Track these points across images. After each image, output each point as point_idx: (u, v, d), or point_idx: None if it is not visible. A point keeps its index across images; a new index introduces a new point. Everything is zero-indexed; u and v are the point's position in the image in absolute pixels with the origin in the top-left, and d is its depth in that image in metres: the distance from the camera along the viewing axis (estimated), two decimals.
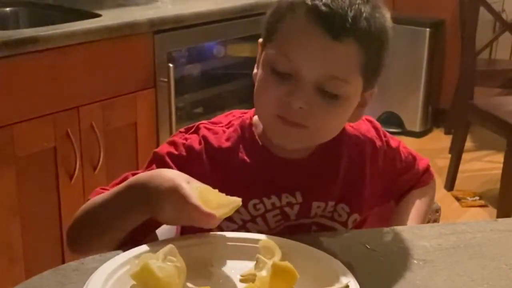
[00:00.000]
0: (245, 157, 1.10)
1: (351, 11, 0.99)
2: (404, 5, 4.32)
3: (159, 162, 1.09)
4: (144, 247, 0.92)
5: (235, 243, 0.96)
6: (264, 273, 0.85)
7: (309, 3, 0.99)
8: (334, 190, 1.12)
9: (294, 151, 1.09)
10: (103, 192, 1.07)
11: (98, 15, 2.21)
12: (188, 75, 2.64)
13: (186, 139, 1.11)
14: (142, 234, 1.02)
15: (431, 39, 4.04)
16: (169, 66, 2.26)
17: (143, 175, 1.01)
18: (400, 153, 1.22)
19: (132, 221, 1.00)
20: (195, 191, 0.92)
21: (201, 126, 1.13)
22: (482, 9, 3.34)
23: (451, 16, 4.06)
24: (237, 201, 0.93)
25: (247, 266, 0.91)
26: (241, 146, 1.10)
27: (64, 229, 2.04)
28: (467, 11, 3.45)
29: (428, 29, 4.02)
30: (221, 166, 1.09)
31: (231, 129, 1.12)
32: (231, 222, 1.08)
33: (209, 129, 1.12)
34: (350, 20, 0.98)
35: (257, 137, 1.11)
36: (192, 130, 1.13)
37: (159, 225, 1.05)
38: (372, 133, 1.18)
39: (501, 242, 1.05)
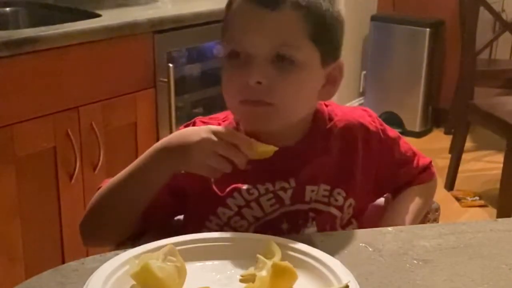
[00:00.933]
0: None
1: None
2: (404, 5, 4.32)
3: None
4: (144, 247, 0.92)
5: (235, 243, 0.96)
6: (264, 273, 0.85)
7: None
8: (327, 174, 1.13)
9: (282, 138, 1.09)
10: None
11: (98, 15, 2.21)
12: (188, 75, 2.64)
13: None
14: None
15: (431, 39, 4.04)
16: (169, 66, 2.26)
17: (164, 139, 1.07)
18: (399, 145, 1.23)
19: (158, 180, 1.06)
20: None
21: (197, 120, 1.17)
22: (482, 9, 3.34)
23: (451, 16, 4.06)
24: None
25: (247, 266, 0.91)
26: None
27: (64, 229, 2.06)
28: (467, 11, 3.45)
29: (428, 29, 4.02)
30: None
31: (226, 121, 1.15)
32: (227, 208, 1.10)
33: (204, 122, 1.15)
34: None
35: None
36: (190, 125, 1.16)
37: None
38: (365, 119, 1.19)
39: (501, 242, 1.05)
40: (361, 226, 1.19)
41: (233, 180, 1.09)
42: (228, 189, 1.10)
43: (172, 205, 1.14)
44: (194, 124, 1.15)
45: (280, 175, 1.11)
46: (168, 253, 0.87)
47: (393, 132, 1.23)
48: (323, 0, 1.06)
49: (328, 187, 1.13)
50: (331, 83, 1.11)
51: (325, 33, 1.07)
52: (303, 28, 1.03)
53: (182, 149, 1.02)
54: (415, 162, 1.25)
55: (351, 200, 1.15)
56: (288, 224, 1.11)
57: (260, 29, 1.03)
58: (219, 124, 1.13)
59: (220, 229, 1.10)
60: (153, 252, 0.88)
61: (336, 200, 1.13)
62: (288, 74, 1.03)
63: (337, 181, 1.14)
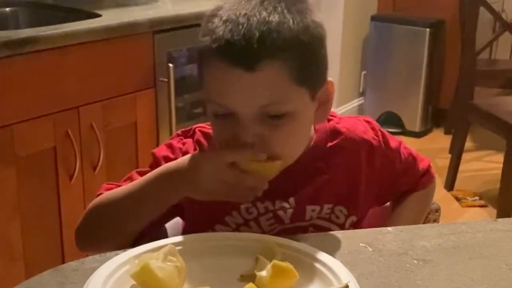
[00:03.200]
0: None
1: (254, 34, 0.92)
2: (404, 5, 4.33)
3: (156, 165, 1.08)
4: (143, 247, 0.92)
5: (235, 242, 0.96)
6: (264, 273, 0.85)
7: (213, 45, 0.95)
8: (328, 192, 1.11)
9: None
10: (112, 188, 1.08)
11: (98, 15, 2.21)
12: (188, 75, 2.63)
13: (183, 143, 1.12)
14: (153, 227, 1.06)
15: (431, 39, 4.04)
16: (169, 66, 2.26)
17: (171, 163, 1.03)
18: (400, 154, 1.20)
19: (163, 206, 1.03)
20: None
21: (196, 130, 1.13)
22: (482, 9, 3.34)
23: (451, 16, 4.06)
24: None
25: (247, 266, 0.91)
26: None
27: (64, 229, 2.06)
28: (467, 11, 3.45)
29: (428, 29, 4.02)
30: None
31: None
32: (225, 225, 1.09)
33: (203, 133, 1.12)
34: (255, 45, 0.92)
35: None
36: (189, 134, 1.13)
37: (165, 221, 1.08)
38: (369, 134, 1.15)
39: (501, 242, 1.05)
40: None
41: None
42: (227, 207, 1.08)
43: (169, 216, 1.12)
44: (193, 134, 1.13)
45: (280, 194, 1.08)
46: (168, 253, 0.87)
47: (394, 141, 1.20)
48: (292, 22, 0.95)
49: (330, 205, 1.11)
50: (324, 104, 1.05)
51: (309, 67, 0.99)
52: (286, 78, 0.95)
53: (191, 177, 0.98)
54: (415, 167, 1.24)
55: (353, 217, 1.14)
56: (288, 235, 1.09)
57: (241, 91, 0.95)
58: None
59: None
60: (153, 252, 0.88)
61: (338, 218, 1.12)
62: (280, 127, 0.97)
63: (339, 199, 1.12)
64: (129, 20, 2.16)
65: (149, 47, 2.24)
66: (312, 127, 1.10)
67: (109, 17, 2.18)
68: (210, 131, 1.10)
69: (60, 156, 2.01)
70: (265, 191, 1.02)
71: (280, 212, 1.09)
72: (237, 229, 1.08)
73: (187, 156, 1.01)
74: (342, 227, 1.13)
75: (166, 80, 2.27)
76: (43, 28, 1.96)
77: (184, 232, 1.15)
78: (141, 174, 1.09)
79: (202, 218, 1.09)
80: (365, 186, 1.14)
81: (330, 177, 1.11)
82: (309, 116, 1.03)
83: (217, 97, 0.98)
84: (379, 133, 1.17)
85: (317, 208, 1.10)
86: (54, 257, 2.04)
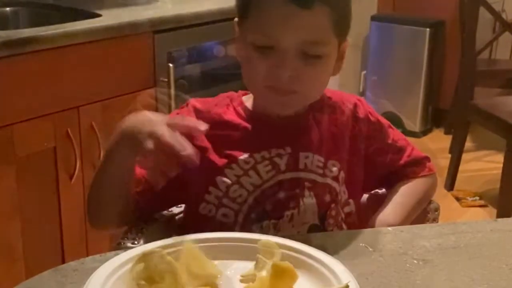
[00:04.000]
0: (234, 117, 1.16)
1: None
2: (404, 5, 4.32)
3: None
4: (144, 247, 0.92)
5: (235, 243, 0.96)
6: (264, 273, 0.85)
7: None
8: (320, 145, 1.16)
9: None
10: None
11: (98, 15, 2.20)
12: (188, 75, 2.64)
13: (177, 113, 1.20)
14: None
15: (431, 39, 4.04)
16: (169, 66, 2.26)
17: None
18: (389, 132, 1.26)
19: (125, 164, 1.07)
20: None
21: (191, 101, 1.20)
22: (482, 9, 3.34)
23: (451, 16, 4.06)
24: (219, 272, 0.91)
25: (247, 266, 0.91)
26: (230, 108, 1.18)
27: (64, 229, 2.06)
28: (467, 11, 3.45)
29: (428, 29, 4.02)
30: (210, 126, 1.09)
31: (220, 98, 1.21)
32: (226, 177, 1.12)
33: (197, 101, 1.20)
34: None
35: (245, 103, 1.19)
36: (183, 107, 1.20)
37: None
38: (354, 99, 1.24)
39: (501, 242, 1.05)
40: (359, 215, 1.21)
41: (228, 149, 1.13)
42: (225, 159, 1.13)
43: (165, 194, 1.14)
44: (187, 105, 1.19)
45: (277, 142, 1.14)
46: (174, 259, 0.87)
47: (384, 120, 1.27)
48: None
49: (322, 159, 1.15)
50: (341, 58, 1.16)
51: (345, 19, 1.12)
52: (329, 24, 1.07)
53: (136, 138, 1.01)
54: (408, 150, 1.27)
55: (343, 174, 1.17)
56: (284, 192, 1.12)
57: (295, 28, 1.05)
58: (213, 101, 1.19)
59: (219, 201, 1.12)
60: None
61: (331, 171, 1.16)
62: (314, 66, 1.08)
63: (330, 153, 1.17)
64: (129, 20, 2.16)
65: (149, 47, 2.23)
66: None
67: (109, 17, 2.18)
68: (203, 99, 1.20)
69: (60, 156, 2.01)
70: (262, 141, 1.14)
71: (276, 159, 1.13)
72: (237, 181, 1.12)
73: (138, 117, 1.10)
74: (336, 180, 1.16)
75: (166, 80, 2.27)
76: (43, 28, 1.96)
77: (185, 197, 1.17)
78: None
79: (201, 173, 1.10)
80: (351, 144, 1.19)
81: (322, 130, 1.17)
82: (332, 63, 1.13)
83: (265, 28, 1.06)
84: (366, 104, 1.26)
85: (310, 155, 1.15)
86: (54, 257, 2.04)
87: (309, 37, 1.06)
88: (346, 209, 1.19)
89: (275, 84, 1.07)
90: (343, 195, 1.18)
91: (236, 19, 1.15)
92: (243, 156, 1.13)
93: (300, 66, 1.06)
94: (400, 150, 1.26)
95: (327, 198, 1.15)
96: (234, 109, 1.18)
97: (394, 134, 1.27)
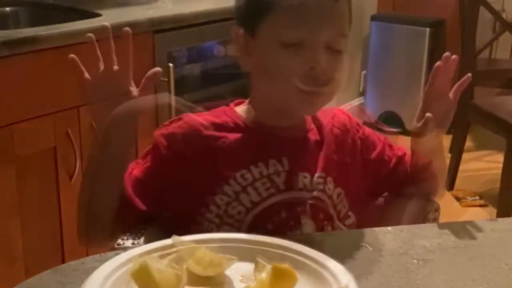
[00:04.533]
0: (229, 133, 1.13)
1: None
2: (404, 5, 4.32)
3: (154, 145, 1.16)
4: (143, 247, 0.92)
5: (235, 244, 0.96)
6: (264, 275, 0.85)
7: None
8: (319, 161, 1.15)
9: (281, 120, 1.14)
10: None
11: (98, 15, 2.20)
12: (188, 75, 2.63)
13: (167, 125, 1.19)
14: None
15: (431, 39, 4.03)
16: (169, 66, 2.26)
17: None
18: (386, 144, 1.27)
19: (124, 141, 1.11)
20: (183, 247, 0.91)
21: (184, 116, 1.18)
22: (482, 9, 3.34)
23: (451, 16, 4.06)
24: (232, 259, 0.91)
25: (247, 267, 0.91)
26: (226, 120, 1.15)
27: (64, 229, 2.05)
28: (467, 11, 3.44)
29: (428, 29, 4.02)
30: (205, 143, 1.12)
31: (214, 112, 1.18)
32: (225, 195, 1.11)
33: (191, 116, 1.17)
34: None
35: (239, 113, 1.17)
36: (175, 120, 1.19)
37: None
38: (333, 111, 1.24)
39: (501, 241, 1.05)
40: (361, 225, 1.19)
41: (226, 164, 1.11)
42: (223, 174, 1.11)
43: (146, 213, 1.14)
44: (180, 120, 1.17)
45: (273, 154, 1.13)
46: (174, 261, 0.86)
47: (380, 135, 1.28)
48: None
49: (323, 175, 1.14)
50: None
51: (351, 11, 1.12)
52: (347, 13, 1.10)
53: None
54: (402, 158, 1.27)
55: (339, 190, 1.16)
56: (286, 212, 1.11)
57: (327, 19, 1.06)
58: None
59: (220, 220, 1.10)
60: (155, 253, 0.88)
61: (329, 189, 1.15)
62: (338, 60, 1.09)
63: (328, 169, 1.15)
64: (129, 19, 2.16)
65: (149, 46, 2.23)
66: None
67: (109, 17, 2.17)
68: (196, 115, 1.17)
69: (60, 156, 2.00)
70: (258, 154, 1.11)
71: (274, 177, 1.12)
72: (236, 197, 1.11)
73: None
74: (330, 198, 1.15)
75: (166, 80, 2.27)
76: (43, 27, 1.96)
77: (177, 215, 1.15)
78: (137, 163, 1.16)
79: (199, 191, 1.11)
80: (350, 158, 1.19)
81: (319, 143, 1.17)
82: (347, 59, 1.13)
83: (296, 20, 1.05)
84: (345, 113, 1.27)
85: (308, 176, 1.13)
86: (54, 257, 2.04)
87: (339, 30, 1.08)
88: (347, 222, 1.18)
89: (309, 83, 1.06)
90: (343, 209, 1.17)
91: (239, 29, 1.12)
92: (241, 171, 1.11)
93: (328, 59, 1.07)
94: (403, 159, 1.27)
95: (321, 216, 1.14)
96: (231, 121, 1.16)
97: (393, 146, 1.28)
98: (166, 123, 1.19)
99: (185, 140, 1.13)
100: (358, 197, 1.21)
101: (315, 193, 1.13)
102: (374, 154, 1.24)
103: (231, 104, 1.20)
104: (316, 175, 1.14)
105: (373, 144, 1.25)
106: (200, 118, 1.16)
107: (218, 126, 1.14)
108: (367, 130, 1.26)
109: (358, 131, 1.23)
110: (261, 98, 1.16)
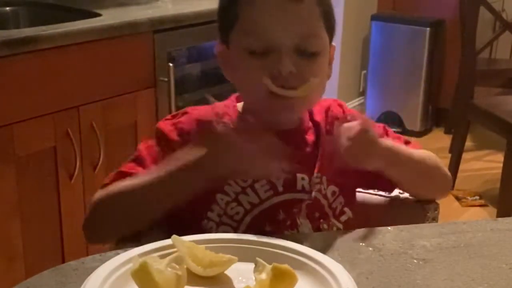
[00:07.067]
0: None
1: None
2: (404, 5, 4.32)
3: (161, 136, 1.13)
4: (144, 248, 0.92)
5: (235, 244, 0.96)
6: (263, 276, 0.85)
7: None
8: (316, 161, 1.14)
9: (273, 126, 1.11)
10: (117, 178, 1.10)
11: (98, 15, 2.21)
12: (188, 75, 2.64)
13: (173, 121, 1.15)
14: None
15: (431, 39, 4.04)
16: (169, 66, 2.26)
17: (183, 155, 1.04)
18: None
19: (187, 196, 1.03)
20: (183, 247, 0.91)
21: (188, 109, 1.16)
22: (482, 9, 3.34)
23: (451, 16, 4.06)
24: (232, 259, 0.91)
25: (247, 267, 0.91)
26: (226, 118, 1.13)
27: (64, 229, 2.05)
28: (467, 11, 3.44)
29: (428, 29, 4.02)
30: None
31: (217, 109, 1.16)
32: (225, 194, 1.11)
33: (195, 109, 1.16)
34: None
35: (240, 111, 1.16)
36: (178, 114, 1.16)
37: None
38: (328, 102, 1.22)
39: (501, 241, 1.05)
40: (358, 220, 1.19)
41: None
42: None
43: None
44: (185, 113, 1.15)
45: None
46: (174, 260, 0.86)
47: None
48: None
49: (319, 175, 1.14)
50: (330, 63, 1.14)
51: (330, 13, 1.10)
52: (319, 14, 1.07)
53: (211, 161, 1.00)
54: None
55: (333, 187, 1.15)
56: (284, 214, 1.11)
57: (290, 22, 1.04)
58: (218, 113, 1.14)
59: (219, 219, 1.10)
60: (155, 253, 0.88)
61: (325, 189, 1.15)
62: (313, 62, 1.07)
63: (324, 169, 1.14)
64: (129, 19, 2.16)
65: (149, 46, 2.24)
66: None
67: (109, 17, 2.18)
68: (202, 109, 1.15)
69: (60, 156, 2.01)
70: None
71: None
72: (236, 198, 1.10)
73: (194, 144, 1.04)
74: (325, 197, 1.14)
75: (166, 79, 2.27)
76: (43, 27, 1.96)
77: (184, 214, 1.13)
78: (148, 149, 1.12)
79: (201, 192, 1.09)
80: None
81: (314, 144, 1.16)
82: (327, 63, 1.12)
83: (258, 27, 1.05)
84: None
85: (306, 177, 1.12)
86: (54, 256, 2.04)
87: (304, 30, 1.05)
88: (343, 218, 1.17)
89: (277, 83, 1.05)
90: (338, 206, 1.16)
91: (217, 44, 1.13)
92: None
93: (299, 62, 1.05)
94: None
95: (317, 215, 1.13)
96: (232, 120, 1.14)
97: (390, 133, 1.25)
98: (169, 117, 1.17)
99: (195, 135, 1.12)
100: (351, 191, 1.21)
101: (313, 194, 1.13)
102: None
103: (233, 98, 1.20)
104: (314, 175, 1.13)
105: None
106: (205, 112, 1.15)
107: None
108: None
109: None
110: (248, 109, 1.16)
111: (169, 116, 1.18)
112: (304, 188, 1.13)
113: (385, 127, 1.25)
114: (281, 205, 1.11)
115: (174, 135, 1.12)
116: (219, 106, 1.18)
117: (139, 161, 1.12)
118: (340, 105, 1.23)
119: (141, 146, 1.14)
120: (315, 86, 1.09)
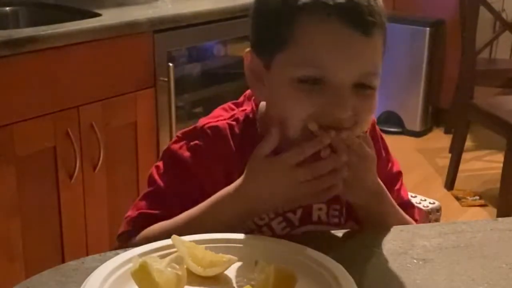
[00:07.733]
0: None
1: (367, 1, 0.92)
2: (404, 5, 4.32)
3: (175, 163, 1.07)
4: (144, 248, 0.92)
5: (235, 244, 0.96)
6: (264, 275, 0.85)
7: (328, 1, 0.91)
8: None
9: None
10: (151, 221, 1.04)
11: (98, 15, 2.21)
12: (188, 75, 2.64)
13: (188, 139, 1.07)
14: None
15: (431, 39, 4.04)
16: (169, 66, 2.26)
17: (229, 189, 0.99)
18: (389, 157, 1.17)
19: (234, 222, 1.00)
20: (183, 247, 0.90)
21: (200, 121, 1.09)
22: (482, 9, 3.34)
23: (451, 16, 4.06)
24: (232, 259, 0.90)
25: (247, 267, 0.91)
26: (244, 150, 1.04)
27: (64, 229, 2.06)
28: (467, 11, 3.45)
29: (428, 29, 4.02)
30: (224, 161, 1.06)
31: (236, 129, 1.07)
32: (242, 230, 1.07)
33: (210, 125, 1.07)
34: (369, 10, 0.92)
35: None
36: (190, 131, 1.09)
37: None
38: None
39: (501, 241, 1.05)
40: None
41: None
42: None
43: None
44: (200, 129, 1.07)
45: None
46: (174, 260, 0.86)
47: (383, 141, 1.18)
48: (384, 11, 0.96)
49: (338, 207, 1.09)
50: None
51: (385, 42, 0.99)
52: (382, 50, 0.97)
53: (262, 195, 0.97)
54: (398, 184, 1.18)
55: (352, 223, 1.11)
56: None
57: (356, 58, 0.93)
58: (230, 123, 1.07)
59: None
60: (155, 253, 0.88)
61: (343, 222, 1.11)
62: (368, 100, 0.97)
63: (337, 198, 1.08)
64: (129, 19, 2.16)
65: (149, 46, 2.24)
66: None
67: (109, 17, 2.18)
68: (218, 122, 1.06)
69: (60, 156, 2.01)
70: None
71: (290, 214, 1.07)
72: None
73: (244, 176, 0.98)
74: (337, 225, 1.11)
75: (166, 79, 2.27)
76: (43, 27, 1.96)
77: None
78: (159, 173, 1.06)
79: None
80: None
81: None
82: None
83: (319, 57, 0.92)
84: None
85: (324, 207, 1.09)
86: (54, 256, 2.04)
87: (370, 68, 0.95)
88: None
89: (330, 124, 0.94)
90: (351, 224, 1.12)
91: (249, 51, 1.02)
92: None
93: (357, 102, 0.94)
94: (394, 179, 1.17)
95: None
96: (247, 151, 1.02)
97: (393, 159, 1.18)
98: (179, 134, 1.09)
99: (213, 152, 1.05)
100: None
101: (326, 226, 1.08)
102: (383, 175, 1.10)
103: (230, 104, 1.13)
104: (332, 206, 1.08)
105: (387, 163, 1.16)
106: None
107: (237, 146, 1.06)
108: (385, 144, 1.17)
109: (382, 145, 1.14)
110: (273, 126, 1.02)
111: (179, 134, 1.09)
112: (320, 219, 1.09)
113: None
114: (295, 237, 1.05)
115: (187, 155, 1.05)
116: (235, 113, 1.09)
117: (160, 198, 1.06)
118: (373, 125, 1.14)
119: (155, 175, 1.07)
120: (368, 124, 1.01)
